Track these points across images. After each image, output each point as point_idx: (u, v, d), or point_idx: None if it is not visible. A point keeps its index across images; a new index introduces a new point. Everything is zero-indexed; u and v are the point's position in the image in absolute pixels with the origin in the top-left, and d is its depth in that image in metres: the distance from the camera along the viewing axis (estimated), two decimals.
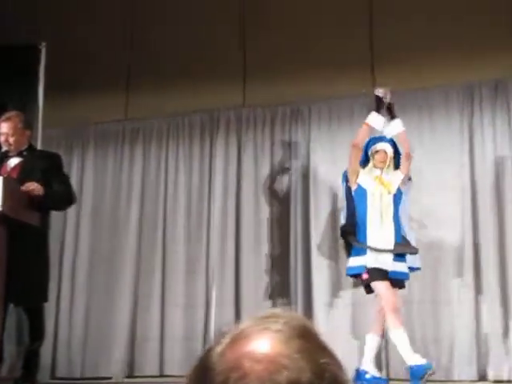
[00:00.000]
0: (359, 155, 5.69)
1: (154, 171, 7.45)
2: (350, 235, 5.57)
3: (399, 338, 5.29)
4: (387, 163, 5.64)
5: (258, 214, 7.03)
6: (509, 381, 5.97)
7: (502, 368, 6.04)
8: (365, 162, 5.73)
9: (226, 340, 0.96)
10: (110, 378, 6.93)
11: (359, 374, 5.43)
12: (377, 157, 5.66)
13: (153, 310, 7.08)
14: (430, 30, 6.70)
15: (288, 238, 6.88)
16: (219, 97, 7.23)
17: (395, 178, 5.62)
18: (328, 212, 6.80)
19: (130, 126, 7.63)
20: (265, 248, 6.95)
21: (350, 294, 6.56)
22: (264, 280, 6.88)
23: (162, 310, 7.08)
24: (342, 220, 5.77)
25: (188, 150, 7.40)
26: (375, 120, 5.70)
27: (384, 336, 5.62)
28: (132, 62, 7.64)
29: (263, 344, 0.93)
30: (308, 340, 0.95)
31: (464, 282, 6.26)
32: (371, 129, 5.72)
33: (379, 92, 5.71)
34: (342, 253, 6.66)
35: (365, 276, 5.39)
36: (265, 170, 7.10)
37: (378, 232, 5.44)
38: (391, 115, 5.77)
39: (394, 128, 5.74)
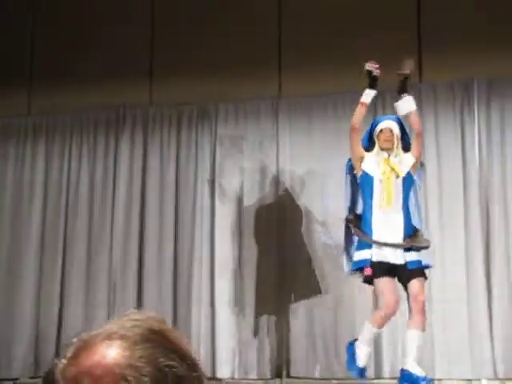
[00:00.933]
0: (358, 138, 5.17)
1: (57, 169, 7.30)
2: (355, 228, 5.08)
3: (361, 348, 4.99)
4: (394, 143, 5.10)
5: (162, 214, 6.98)
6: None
7: (396, 366, 6.20)
8: (369, 146, 5.20)
9: (69, 354, 0.93)
10: (13, 379, 6.75)
11: (407, 375, 4.91)
12: (381, 136, 5.10)
13: (53, 309, 6.93)
14: (336, 37, 6.80)
15: (193, 239, 6.85)
16: (126, 94, 7.17)
17: (405, 161, 5.10)
18: (233, 213, 6.82)
19: (33, 121, 7.46)
20: (169, 249, 6.90)
21: (252, 296, 6.61)
22: (167, 281, 6.84)
23: (61, 308, 6.94)
24: (347, 212, 5.32)
25: (92, 148, 7.28)
26: (367, 95, 5.19)
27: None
28: (35, 56, 7.48)
29: (105, 355, 0.90)
30: (155, 343, 0.92)
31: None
32: (367, 108, 5.24)
33: (369, 66, 5.17)
34: (246, 255, 6.69)
35: (367, 271, 4.90)
36: (171, 169, 7.06)
37: (386, 222, 4.95)
38: (403, 90, 5.19)
39: (406, 106, 5.18)
